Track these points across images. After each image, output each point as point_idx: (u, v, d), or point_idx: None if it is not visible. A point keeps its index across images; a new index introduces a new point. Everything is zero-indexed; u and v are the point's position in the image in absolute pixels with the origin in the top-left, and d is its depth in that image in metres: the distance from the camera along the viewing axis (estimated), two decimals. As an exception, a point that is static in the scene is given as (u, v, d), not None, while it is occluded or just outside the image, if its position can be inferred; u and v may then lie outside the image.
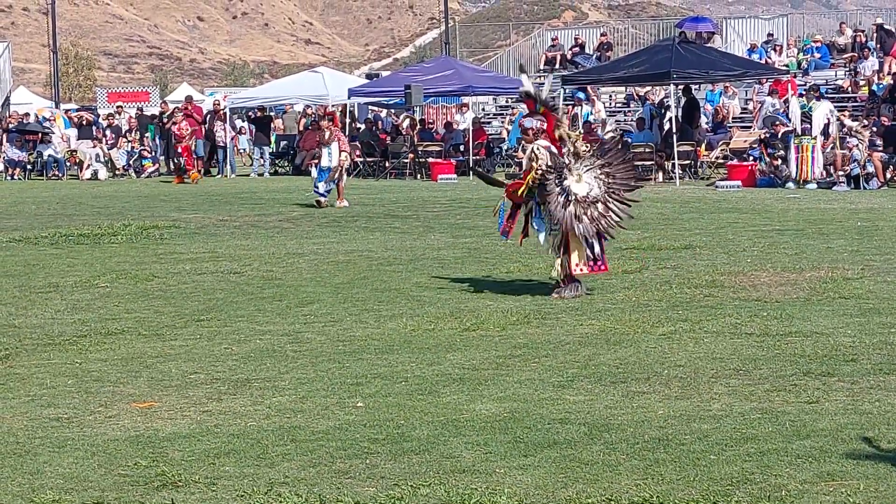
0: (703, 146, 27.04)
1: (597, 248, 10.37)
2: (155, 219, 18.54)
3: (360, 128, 33.30)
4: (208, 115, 33.22)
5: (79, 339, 8.93)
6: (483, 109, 39.61)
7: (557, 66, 37.95)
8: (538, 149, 10.40)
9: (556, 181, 10.23)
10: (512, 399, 6.83)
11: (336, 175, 19.95)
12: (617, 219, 10.37)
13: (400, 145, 30.59)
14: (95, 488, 5.38)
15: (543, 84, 11.45)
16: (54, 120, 37.46)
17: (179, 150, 29.01)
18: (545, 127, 10.51)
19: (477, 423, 6.33)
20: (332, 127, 20.45)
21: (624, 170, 10.59)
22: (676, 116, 26.45)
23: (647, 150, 26.13)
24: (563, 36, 41.01)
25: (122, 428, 6.41)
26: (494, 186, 12.08)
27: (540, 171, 10.28)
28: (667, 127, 26.66)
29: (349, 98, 31.80)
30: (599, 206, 10.25)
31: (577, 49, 38.38)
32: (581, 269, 10.37)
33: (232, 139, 32.88)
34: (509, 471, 5.50)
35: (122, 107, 39.52)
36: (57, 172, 32.22)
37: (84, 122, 35.47)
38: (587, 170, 10.29)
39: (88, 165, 32.89)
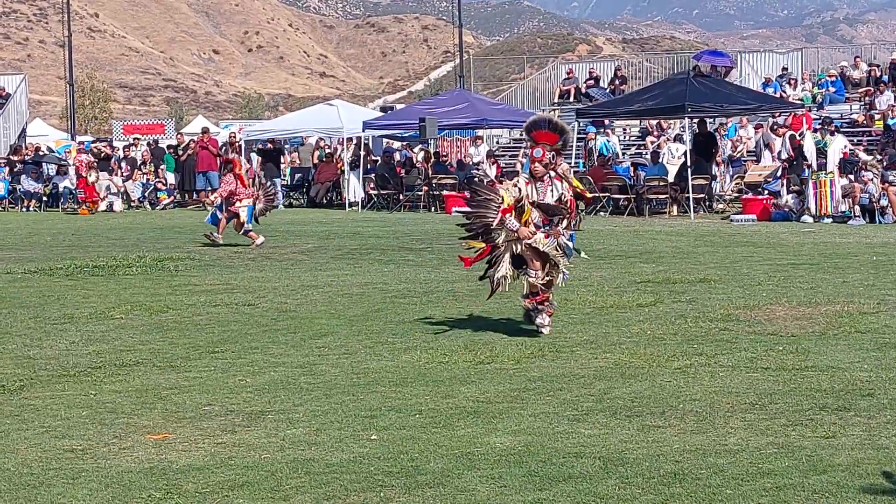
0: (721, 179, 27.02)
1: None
2: (170, 251, 18.58)
3: (375, 160, 33.40)
4: (223, 147, 33.35)
5: (93, 371, 8.93)
6: (497, 142, 39.70)
7: (572, 98, 38.07)
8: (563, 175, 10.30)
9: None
10: (527, 432, 6.81)
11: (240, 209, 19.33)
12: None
13: (414, 178, 30.66)
14: (109, 520, 5.36)
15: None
16: (69, 152, 37.64)
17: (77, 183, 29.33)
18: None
19: (491, 456, 6.30)
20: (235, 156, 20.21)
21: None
22: (690, 150, 26.46)
23: (661, 183, 26.15)
24: (577, 69, 41.10)
25: (137, 459, 6.39)
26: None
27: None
28: (681, 161, 26.66)
29: (364, 130, 31.89)
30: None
31: (591, 82, 38.46)
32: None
33: (247, 171, 32.94)
34: (524, 505, 5.47)
35: (138, 139, 39.67)
36: (72, 204, 32.34)
37: (102, 156, 35.60)
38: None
39: (104, 197, 33.00)
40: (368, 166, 32.36)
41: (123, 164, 34.70)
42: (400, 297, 12.72)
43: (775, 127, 28.23)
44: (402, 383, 8.29)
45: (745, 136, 30.43)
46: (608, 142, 31.85)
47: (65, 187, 32.76)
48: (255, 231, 19.37)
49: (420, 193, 30.04)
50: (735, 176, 27.83)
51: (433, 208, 29.10)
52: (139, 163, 34.97)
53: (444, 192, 29.91)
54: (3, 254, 18.94)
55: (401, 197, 30.27)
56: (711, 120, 29.04)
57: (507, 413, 7.30)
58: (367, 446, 6.58)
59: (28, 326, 11.23)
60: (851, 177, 23.37)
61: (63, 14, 50.08)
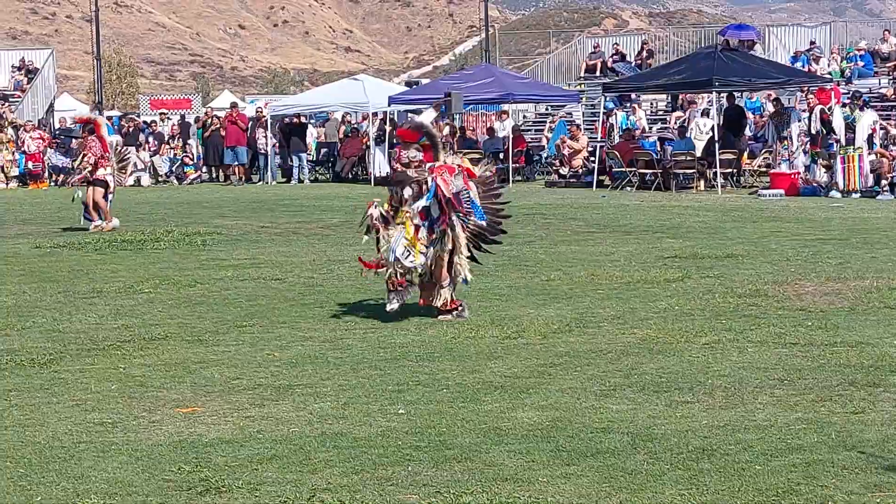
0: (746, 154, 26.89)
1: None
2: (197, 225, 18.65)
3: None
4: (251, 123, 33.43)
5: (122, 345, 8.98)
6: (524, 117, 39.58)
7: (598, 73, 37.91)
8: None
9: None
10: (554, 408, 6.81)
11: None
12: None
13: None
14: (139, 493, 5.40)
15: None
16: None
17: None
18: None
19: (519, 431, 6.31)
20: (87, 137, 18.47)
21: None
22: (718, 124, 26.33)
23: (688, 158, 26.04)
24: (603, 43, 40.90)
25: (166, 433, 6.43)
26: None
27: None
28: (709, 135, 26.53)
29: (389, 105, 31.83)
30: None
31: (617, 57, 38.28)
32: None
33: (273, 147, 33.05)
34: (552, 479, 5.47)
35: (165, 114, 39.77)
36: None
37: (131, 129, 35.72)
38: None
39: (132, 172, 33.09)
40: (394, 141, 32.31)
41: (150, 139, 34.79)
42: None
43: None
44: (429, 358, 8.30)
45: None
46: (628, 117, 31.71)
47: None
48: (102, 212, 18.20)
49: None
50: (763, 151, 27.66)
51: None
52: (167, 137, 35.06)
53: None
54: (32, 228, 19.04)
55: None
56: (739, 94, 28.86)
57: (534, 388, 7.30)
58: (395, 420, 6.60)
59: (57, 301, 11.29)
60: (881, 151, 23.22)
61: (90, -11, 50.10)
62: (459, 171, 9.98)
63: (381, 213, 10.02)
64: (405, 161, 10.00)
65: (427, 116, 10.49)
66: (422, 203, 9.78)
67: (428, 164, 9.92)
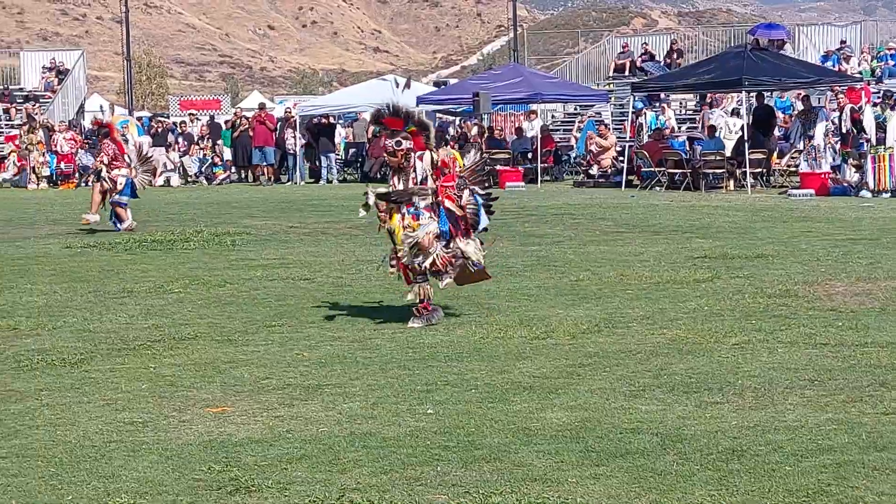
0: (775, 154, 26.78)
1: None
2: (226, 225, 18.72)
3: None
4: (280, 123, 33.55)
5: (153, 344, 9.02)
6: (552, 117, 39.54)
7: (627, 73, 37.84)
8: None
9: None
10: (583, 408, 6.80)
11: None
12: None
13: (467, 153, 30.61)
14: (170, 492, 5.42)
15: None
16: (127, 128, 37.94)
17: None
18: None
19: (548, 431, 6.30)
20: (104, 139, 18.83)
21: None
22: (748, 124, 26.23)
23: (718, 157, 25.95)
24: (632, 43, 40.81)
25: (196, 433, 6.45)
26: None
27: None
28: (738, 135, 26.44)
29: (417, 106, 31.85)
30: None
31: (646, 56, 38.19)
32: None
33: (301, 147, 33.14)
34: (581, 480, 5.46)
35: (194, 114, 39.94)
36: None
37: (159, 130, 35.90)
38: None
39: (161, 172, 33.28)
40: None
41: (180, 140, 34.95)
42: (455, 272, 12.70)
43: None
44: (458, 358, 8.30)
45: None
46: (657, 116, 31.64)
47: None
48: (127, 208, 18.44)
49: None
50: (792, 150, 27.54)
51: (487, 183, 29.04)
52: (196, 138, 35.21)
53: (498, 167, 29.86)
54: (63, 228, 19.16)
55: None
56: (769, 94, 28.74)
57: (563, 388, 7.29)
58: (424, 420, 6.60)
59: (88, 300, 11.36)
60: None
61: (120, -10, 50.37)
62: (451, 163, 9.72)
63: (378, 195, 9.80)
64: (390, 150, 9.70)
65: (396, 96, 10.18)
66: (434, 229, 9.67)
67: (418, 153, 9.65)
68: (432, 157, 9.72)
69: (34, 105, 37.43)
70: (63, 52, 46.52)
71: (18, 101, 39.25)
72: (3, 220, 21.37)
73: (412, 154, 9.70)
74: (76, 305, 11.06)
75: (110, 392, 7.46)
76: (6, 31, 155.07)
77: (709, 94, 32.19)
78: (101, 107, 38.63)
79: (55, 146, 33.19)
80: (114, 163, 18.42)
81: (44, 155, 33.14)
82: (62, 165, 32.94)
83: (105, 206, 18.66)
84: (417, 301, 9.73)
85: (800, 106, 30.25)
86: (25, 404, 7.19)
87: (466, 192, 9.81)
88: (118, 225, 18.35)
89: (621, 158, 28.52)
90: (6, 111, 35.99)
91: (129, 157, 18.86)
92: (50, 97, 40.11)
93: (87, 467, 5.83)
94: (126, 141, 20.92)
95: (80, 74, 42.31)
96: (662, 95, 32.90)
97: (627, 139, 29.53)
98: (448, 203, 9.70)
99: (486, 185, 10.43)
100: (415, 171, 9.70)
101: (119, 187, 18.33)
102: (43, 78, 41.90)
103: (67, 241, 16.95)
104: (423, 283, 9.73)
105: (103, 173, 18.45)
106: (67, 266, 14.06)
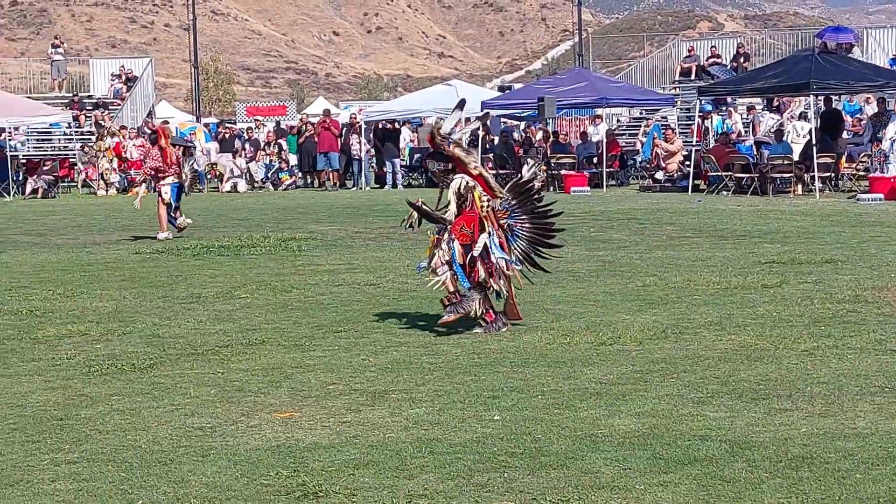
0: (844, 158, 26.48)
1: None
2: (293, 231, 18.85)
3: (493, 140, 33.39)
4: (345, 129, 33.72)
5: (221, 350, 9.09)
6: (617, 121, 39.39)
7: (693, 76, 37.60)
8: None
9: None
10: (650, 415, 6.76)
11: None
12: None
13: (533, 157, 30.59)
14: (238, 497, 5.46)
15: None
16: (194, 134, 38.37)
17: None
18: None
19: (615, 438, 6.27)
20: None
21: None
22: (816, 127, 25.96)
23: (786, 162, 25.71)
24: (698, 47, 40.54)
25: (264, 438, 6.50)
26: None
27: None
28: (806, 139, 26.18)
29: (482, 110, 31.85)
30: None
31: (713, 60, 37.92)
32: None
33: (367, 153, 33.28)
34: (649, 487, 5.43)
35: (260, 120, 40.22)
36: (199, 185, 32.91)
37: (226, 136, 36.23)
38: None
39: (228, 178, 33.58)
40: (487, 146, 32.35)
41: (247, 146, 35.24)
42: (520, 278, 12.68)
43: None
44: (524, 364, 8.29)
45: (870, 113, 29.74)
46: (723, 120, 31.41)
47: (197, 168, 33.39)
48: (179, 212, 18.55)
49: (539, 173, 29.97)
50: (861, 154, 27.22)
51: (552, 188, 29.00)
52: (262, 144, 35.48)
53: (563, 172, 29.81)
54: (131, 234, 19.36)
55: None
56: (836, 97, 28.43)
57: (630, 395, 7.26)
58: (490, 426, 6.60)
59: (157, 306, 11.48)
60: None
61: (187, -2, 50.92)
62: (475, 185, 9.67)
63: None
64: (432, 169, 9.99)
65: (451, 121, 9.96)
66: (461, 281, 9.61)
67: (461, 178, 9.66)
68: (459, 184, 9.69)
69: (102, 112, 37.90)
70: (131, 60, 47.16)
71: (88, 108, 39.76)
72: (73, 226, 21.67)
73: (453, 174, 9.76)
74: (145, 311, 11.18)
75: (179, 397, 7.53)
76: (75, 39, 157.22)
77: (776, 98, 31.92)
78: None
79: (125, 153, 33.57)
80: (158, 171, 18.57)
81: (112, 162, 33.53)
82: (132, 172, 33.32)
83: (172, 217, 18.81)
84: (478, 315, 9.66)
85: (870, 110, 29.90)
86: (96, 409, 7.28)
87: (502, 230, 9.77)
88: (174, 223, 18.67)
89: (687, 163, 28.34)
90: (76, 118, 36.47)
91: (175, 159, 18.74)
92: (119, 104, 40.61)
93: (157, 472, 5.89)
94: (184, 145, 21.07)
95: (148, 81, 42.82)
96: (729, 99, 32.65)
97: (694, 143, 29.33)
98: (456, 244, 9.77)
99: (537, 197, 10.36)
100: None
101: (166, 196, 18.51)
102: (112, 85, 42.44)
103: (136, 246, 17.14)
104: (480, 296, 9.70)
105: (150, 184, 18.70)
106: (137, 272, 14.22)
